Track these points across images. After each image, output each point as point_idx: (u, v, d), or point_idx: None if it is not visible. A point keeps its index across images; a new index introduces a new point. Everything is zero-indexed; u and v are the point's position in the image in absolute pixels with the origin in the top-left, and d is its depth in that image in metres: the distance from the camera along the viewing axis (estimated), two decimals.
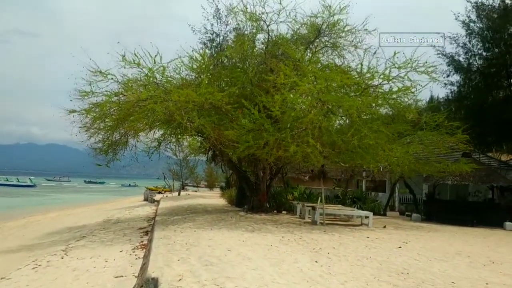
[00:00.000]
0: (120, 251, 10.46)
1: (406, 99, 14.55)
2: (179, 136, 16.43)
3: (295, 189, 24.19)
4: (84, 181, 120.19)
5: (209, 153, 19.48)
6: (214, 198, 32.70)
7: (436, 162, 16.13)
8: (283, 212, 19.49)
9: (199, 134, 15.16)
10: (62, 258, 10.27)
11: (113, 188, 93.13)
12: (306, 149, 11.65)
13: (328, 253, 8.47)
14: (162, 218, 16.31)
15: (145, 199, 39.35)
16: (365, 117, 13.65)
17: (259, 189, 18.18)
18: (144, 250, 10.20)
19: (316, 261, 7.39)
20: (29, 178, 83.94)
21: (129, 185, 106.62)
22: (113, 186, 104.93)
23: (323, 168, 14.75)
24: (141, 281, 6.25)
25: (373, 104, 13.98)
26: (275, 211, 18.94)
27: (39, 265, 9.58)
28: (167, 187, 53.08)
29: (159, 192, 45.86)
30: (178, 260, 7.13)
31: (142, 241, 11.88)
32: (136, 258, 9.32)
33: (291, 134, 11.91)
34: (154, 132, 16.73)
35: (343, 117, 13.14)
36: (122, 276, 7.63)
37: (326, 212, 15.16)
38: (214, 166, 50.11)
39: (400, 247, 9.88)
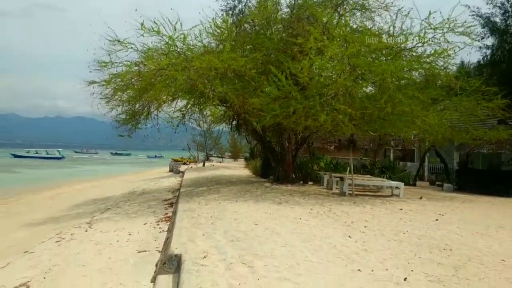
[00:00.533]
0: (144, 224, 10.22)
1: (441, 63, 13.60)
2: (202, 106, 15.95)
3: (321, 159, 23.61)
4: (111, 153, 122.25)
5: (233, 122, 19.00)
6: (238, 169, 32.49)
7: (472, 129, 15.21)
8: (309, 183, 19.02)
9: (223, 103, 14.64)
10: (86, 231, 10.10)
11: (139, 160, 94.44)
12: (337, 117, 10.99)
13: (365, 227, 7.93)
14: (186, 190, 16.08)
15: (171, 170, 39.52)
16: (398, 82, 12.82)
17: (284, 160, 17.70)
18: (168, 223, 9.93)
19: (349, 236, 6.89)
20: (58, 150, 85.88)
21: (155, 156, 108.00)
22: (140, 157, 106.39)
23: (352, 137, 14.10)
24: (164, 257, 5.90)
25: (406, 69, 13.11)
26: (301, 182, 18.48)
27: (62, 238, 9.41)
28: (191, 158, 53.29)
29: (184, 163, 46.02)
30: (203, 235, 6.76)
31: (166, 213, 11.63)
32: (160, 232, 9.04)
33: (320, 102, 11.24)
34: (177, 102, 16.36)
35: (375, 83, 12.34)
36: (146, 251, 7.33)
37: (355, 182, 14.58)
38: (238, 136, 49.91)
39: (437, 220, 9.27)
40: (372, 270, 4.92)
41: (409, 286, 4.42)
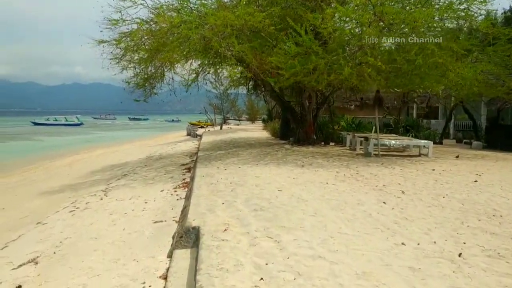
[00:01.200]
0: (161, 191, 9.75)
1: (476, 9, 12.38)
2: (218, 66, 15.12)
3: (341, 119, 22.75)
4: (129, 118, 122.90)
5: (250, 83, 18.18)
6: (256, 131, 31.85)
7: (509, 81, 14.09)
8: (331, 143, 18.29)
9: (239, 63, 13.80)
10: (101, 199, 9.70)
11: (157, 124, 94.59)
12: (364, 70, 10.09)
13: (400, 191, 7.24)
14: (204, 154, 15.56)
15: (188, 134, 39.11)
16: (428, 32, 11.74)
17: (305, 120, 16.94)
18: (186, 190, 9.43)
19: (384, 202, 6.22)
20: (76, 117, 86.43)
21: (172, 120, 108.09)
22: (157, 122, 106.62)
23: (379, 94, 13.17)
24: (181, 230, 5.35)
25: (438, 17, 11.99)
26: (323, 143, 17.76)
27: (77, 208, 9.03)
28: (208, 122, 52.82)
29: (201, 127, 45.61)
30: (223, 203, 6.18)
31: (184, 179, 11.14)
32: (177, 199, 8.54)
33: (344, 56, 10.33)
34: (191, 63, 15.57)
35: (403, 34, 11.29)
36: (162, 221, 6.83)
37: (381, 142, 13.80)
38: (255, 97, 48.98)
39: (476, 181, 8.51)
40: (418, 244, 4.27)
41: (466, 263, 3.76)
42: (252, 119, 60.71)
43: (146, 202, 8.66)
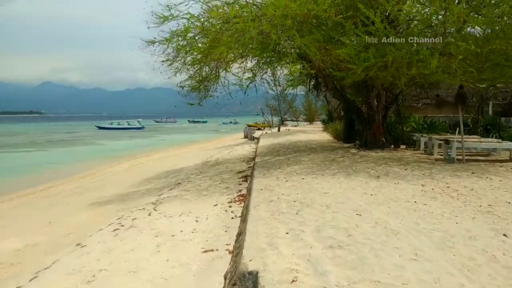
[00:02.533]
0: (215, 205, 8.62)
1: None
2: (276, 64, 13.80)
3: (410, 119, 20.61)
4: (188, 121, 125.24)
5: (311, 82, 16.72)
6: (315, 133, 30.25)
7: None
8: (401, 147, 16.43)
9: (300, 59, 12.42)
10: (149, 215, 8.73)
11: (215, 127, 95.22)
12: (452, 61, 8.37)
13: None
14: (262, 159, 14.34)
15: (245, 136, 38.22)
16: None
17: (373, 121, 15.23)
18: (242, 205, 8.23)
19: (504, 235, 4.60)
20: (138, 121, 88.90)
21: (230, 122, 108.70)
22: (215, 124, 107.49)
23: (462, 90, 11.29)
24: (235, 272, 4.10)
25: None
26: (392, 146, 15.96)
27: (122, 226, 8.09)
28: (266, 123, 51.76)
29: (259, 129, 44.62)
30: (287, 233, 4.85)
31: (240, 190, 9.96)
32: (232, 217, 7.35)
33: (427, 45, 8.65)
34: (247, 62, 14.42)
35: (500, 18, 9.40)
36: (213, 250, 5.63)
37: (466, 145, 11.86)
38: (315, 97, 47.25)
39: None
40: None
41: None
42: (310, 120, 59.00)
43: (197, 221, 7.55)
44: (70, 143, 48.24)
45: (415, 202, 6.28)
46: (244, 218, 6.40)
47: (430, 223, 5.01)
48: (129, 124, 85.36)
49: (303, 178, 8.88)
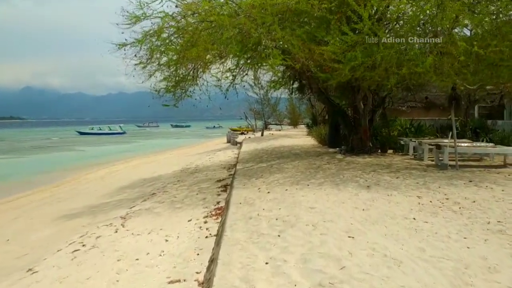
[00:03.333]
0: (189, 221, 7.74)
1: None
2: (258, 64, 12.95)
3: (395, 122, 19.99)
4: (171, 125, 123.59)
5: (294, 84, 15.94)
6: (300, 137, 29.52)
7: None
8: (388, 151, 15.79)
9: (283, 56, 11.60)
10: (116, 232, 7.81)
11: (198, 131, 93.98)
12: (445, 61, 7.66)
13: None
14: (244, 167, 13.51)
15: (228, 141, 37.30)
16: None
17: (359, 125, 14.54)
18: (219, 220, 7.35)
19: None
20: (119, 126, 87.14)
21: (214, 127, 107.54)
22: (198, 129, 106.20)
23: (455, 91, 10.63)
24: None
25: None
26: (379, 151, 15.29)
27: (83, 246, 7.15)
28: (249, 127, 50.94)
29: (242, 133, 43.81)
30: (266, 263, 4.01)
31: (218, 202, 9.07)
32: (206, 236, 6.47)
33: (420, 44, 7.93)
34: (226, 62, 13.56)
35: (494, 16, 8.75)
36: (180, 281, 4.75)
37: (459, 150, 11.21)
38: (299, 101, 46.56)
39: None
40: None
41: None
42: (294, 123, 58.36)
43: (167, 240, 6.66)
44: (48, 150, 46.54)
45: (414, 219, 5.49)
46: (218, 239, 5.53)
47: (438, 249, 4.21)
48: (110, 129, 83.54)
49: (286, 190, 8.05)
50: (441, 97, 22.10)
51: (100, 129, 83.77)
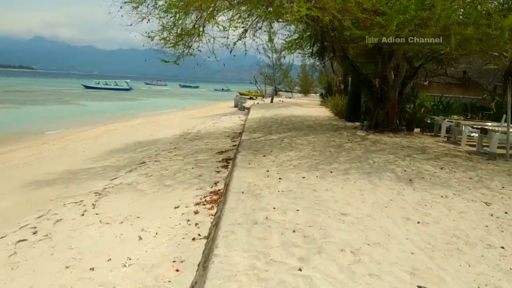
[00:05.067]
0: (176, 207, 6.01)
1: None
2: (274, 17, 10.82)
3: (418, 98, 17.84)
4: (180, 85, 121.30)
5: (314, 46, 13.81)
6: (312, 106, 27.48)
7: None
8: (415, 130, 13.90)
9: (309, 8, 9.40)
10: (82, 215, 6.11)
11: (206, 93, 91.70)
12: None
13: None
14: (250, 138, 11.67)
15: (235, 106, 35.29)
16: None
17: (386, 99, 12.54)
18: (213, 212, 5.59)
19: None
20: (126, 82, 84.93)
21: (222, 89, 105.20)
22: (207, 90, 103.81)
23: None
24: None
25: None
26: (404, 130, 13.37)
27: (34, 234, 5.47)
28: (258, 92, 48.71)
29: (250, 98, 41.68)
30: None
31: (215, 183, 7.31)
32: (193, 238, 4.74)
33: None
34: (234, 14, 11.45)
35: None
36: None
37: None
38: (311, 68, 44.02)
39: None
40: None
41: None
42: (305, 91, 56.02)
43: (140, 238, 4.94)
44: (50, 102, 44.76)
45: (503, 248, 3.66)
46: (206, 262, 3.72)
47: None
48: (116, 85, 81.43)
49: (303, 177, 6.20)
50: (473, 73, 19.87)
51: (106, 84, 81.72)
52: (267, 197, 5.14)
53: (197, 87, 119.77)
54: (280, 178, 6.15)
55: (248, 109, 26.37)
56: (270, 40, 12.71)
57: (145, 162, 10.34)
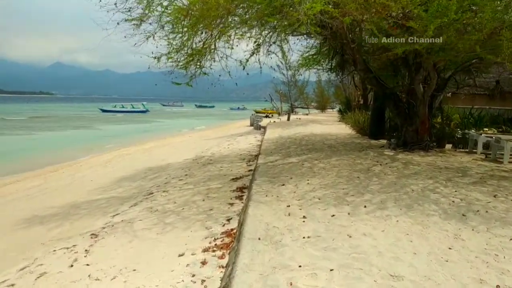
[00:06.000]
0: (180, 255, 5.00)
1: None
2: (287, 31, 9.92)
3: (446, 111, 16.57)
4: (196, 105, 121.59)
5: (333, 59, 12.80)
6: (331, 123, 26.38)
7: None
8: (446, 146, 12.73)
9: (321, 24, 8.42)
10: (71, 267, 5.18)
11: (222, 112, 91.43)
12: None
13: None
14: (266, 162, 10.67)
15: (251, 124, 34.39)
16: None
17: (414, 114, 11.43)
18: (224, 262, 4.58)
19: None
20: (142, 104, 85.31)
21: (238, 108, 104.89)
22: (222, 110, 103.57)
23: None
24: None
25: None
26: (435, 146, 12.19)
27: None
28: (274, 110, 47.79)
29: (266, 116, 40.76)
30: None
31: (228, 220, 6.30)
32: None
33: None
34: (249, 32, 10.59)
35: None
36: None
37: None
38: (329, 82, 42.87)
39: None
40: None
41: None
42: (321, 108, 54.93)
43: None
44: (64, 127, 44.66)
45: None
46: None
47: None
48: (133, 107, 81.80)
49: (333, 216, 5.14)
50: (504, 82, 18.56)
51: (123, 107, 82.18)
52: (289, 246, 4.10)
53: (213, 106, 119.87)
54: (304, 217, 5.11)
55: (265, 128, 25.43)
56: (284, 56, 11.85)
57: (152, 193, 9.42)
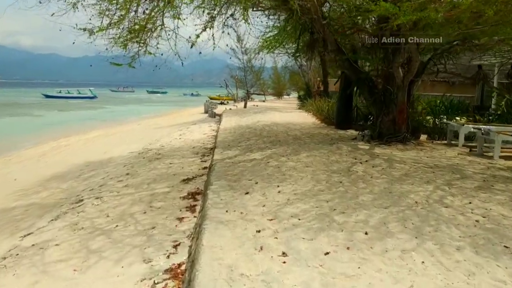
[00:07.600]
0: None
1: None
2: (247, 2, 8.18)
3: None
4: (147, 91, 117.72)
5: (302, 37, 11.16)
6: (291, 111, 25.01)
7: None
8: (421, 137, 11.60)
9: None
10: None
11: (174, 98, 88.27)
12: None
13: None
14: (224, 158, 9.00)
15: (206, 112, 32.45)
16: None
17: (391, 102, 10.10)
18: None
19: None
20: (90, 90, 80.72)
21: (192, 94, 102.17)
22: (175, 96, 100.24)
23: None
24: None
25: None
26: (412, 138, 10.96)
27: None
28: (230, 96, 45.95)
29: (221, 103, 38.90)
30: None
31: (175, 246, 4.61)
32: None
33: None
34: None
35: None
36: None
37: None
38: (293, 66, 41.29)
39: None
40: None
41: None
42: (278, 94, 53.78)
43: None
44: (4, 114, 40.50)
45: None
46: None
47: None
48: (79, 93, 77.07)
49: (327, 253, 3.54)
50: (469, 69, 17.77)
51: (69, 93, 77.31)
52: None
53: (166, 92, 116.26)
54: (283, 254, 3.49)
55: (220, 115, 23.67)
56: (239, 39, 10.18)
57: (82, 200, 7.53)
